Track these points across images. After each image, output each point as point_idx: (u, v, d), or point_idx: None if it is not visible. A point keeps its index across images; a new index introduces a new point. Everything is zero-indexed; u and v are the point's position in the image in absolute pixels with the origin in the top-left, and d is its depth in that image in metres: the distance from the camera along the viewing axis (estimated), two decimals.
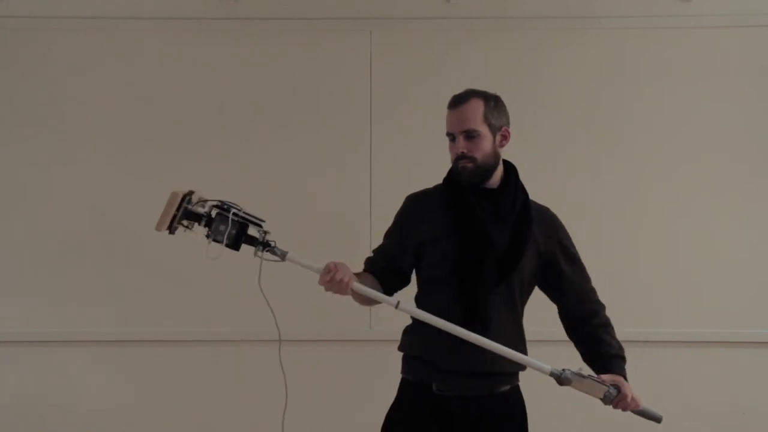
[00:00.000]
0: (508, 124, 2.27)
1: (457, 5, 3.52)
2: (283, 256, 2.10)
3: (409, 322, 2.30)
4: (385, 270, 2.25)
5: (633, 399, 2.14)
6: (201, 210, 2.08)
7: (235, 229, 2.06)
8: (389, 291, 2.25)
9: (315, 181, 3.49)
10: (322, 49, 3.52)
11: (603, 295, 2.39)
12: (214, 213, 2.07)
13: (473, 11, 3.52)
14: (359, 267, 2.29)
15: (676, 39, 3.51)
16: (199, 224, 2.07)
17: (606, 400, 2.13)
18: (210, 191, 3.43)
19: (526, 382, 2.34)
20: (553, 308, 2.41)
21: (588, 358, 2.28)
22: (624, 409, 2.15)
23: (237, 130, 3.50)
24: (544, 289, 2.36)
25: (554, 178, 3.43)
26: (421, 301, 2.25)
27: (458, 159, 2.20)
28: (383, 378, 3.31)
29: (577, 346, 2.32)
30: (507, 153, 2.32)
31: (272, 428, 3.48)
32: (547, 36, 3.52)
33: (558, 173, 3.45)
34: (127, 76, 3.51)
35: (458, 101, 2.23)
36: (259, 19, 3.52)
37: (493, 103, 2.23)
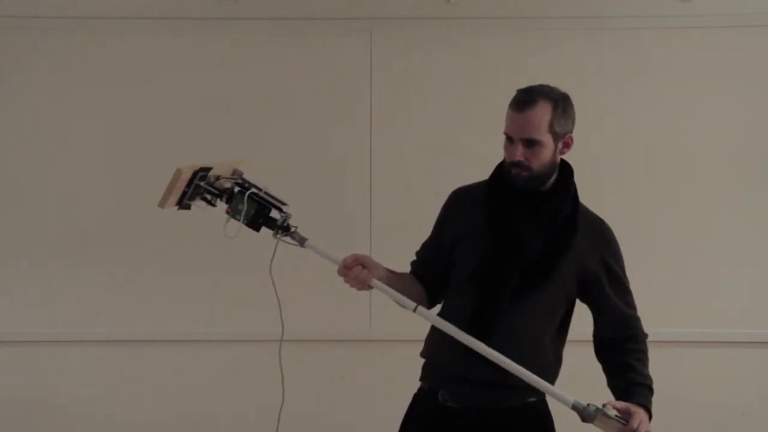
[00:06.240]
0: (572, 129, 2.03)
1: (457, 5, 3.52)
2: (302, 242, 1.98)
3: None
4: (426, 278, 2.13)
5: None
6: (222, 186, 1.99)
7: (253, 209, 1.96)
8: (437, 298, 2.14)
9: (315, 180, 3.49)
10: (322, 49, 3.52)
11: None
12: (236, 190, 1.98)
13: (473, 11, 3.52)
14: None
15: (676, 39, 3.51)
16: (221, 200, 1.99)
17: None
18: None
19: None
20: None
21: (614, 383, 2.03)
22: None
23: (236, 129, 3.50)
24: (585, 302, 2.13)
25: None
26: (446, 300, 2.12)
27: (513, 165, 1.98)
28: (383, 378, 3.34)
29: (606, 369, 2.08)
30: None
31: (271, 428, 3.50)
32: (548, 36, 3.52)
33: None
34: (126, 75, 3.51)
35: (524, 104, 1.95)
36: (259, 19, 3.52)
37: (562, 108, 1.97)
